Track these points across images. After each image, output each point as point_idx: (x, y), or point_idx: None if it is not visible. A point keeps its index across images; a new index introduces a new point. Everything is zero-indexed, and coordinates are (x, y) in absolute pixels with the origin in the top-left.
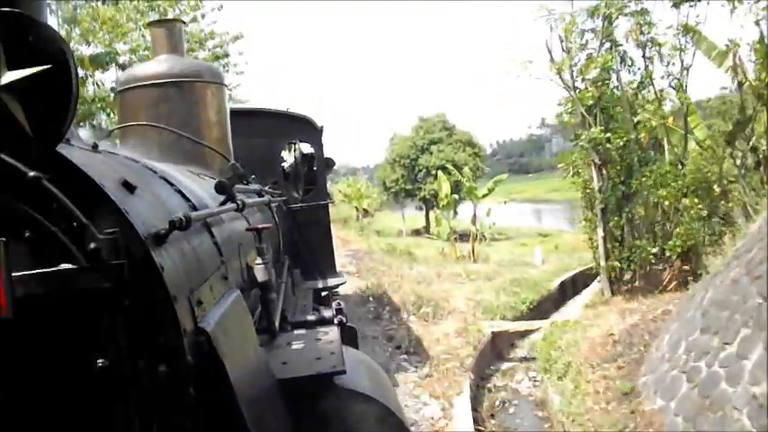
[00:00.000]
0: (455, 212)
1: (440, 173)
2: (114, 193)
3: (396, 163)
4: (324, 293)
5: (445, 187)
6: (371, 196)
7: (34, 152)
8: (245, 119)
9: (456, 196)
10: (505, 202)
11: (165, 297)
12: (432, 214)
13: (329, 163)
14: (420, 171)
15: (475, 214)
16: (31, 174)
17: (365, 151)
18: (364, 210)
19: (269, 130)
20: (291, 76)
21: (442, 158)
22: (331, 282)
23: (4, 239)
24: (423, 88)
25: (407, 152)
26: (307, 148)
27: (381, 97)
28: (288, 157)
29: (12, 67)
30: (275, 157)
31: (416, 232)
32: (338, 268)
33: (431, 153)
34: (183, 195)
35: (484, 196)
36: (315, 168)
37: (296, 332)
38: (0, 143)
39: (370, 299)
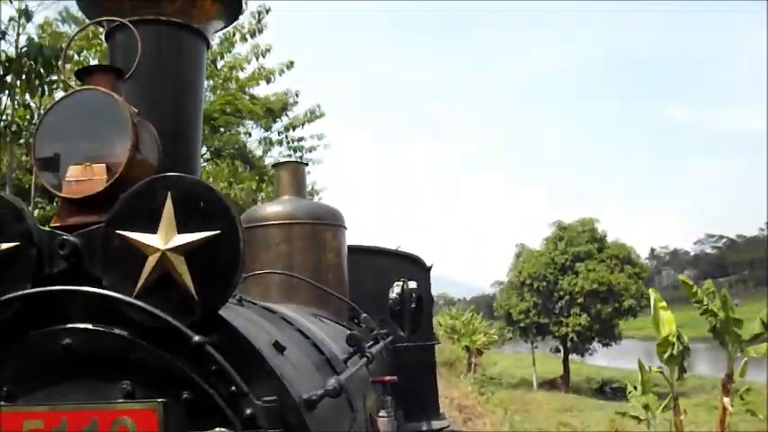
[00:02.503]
0: (682, 368)
1: (654, 296)
2: (270, 358)
3: (525, 287)
4: None
5: (668, 320)
6: (488, 332)
7: (198, 315)
8: (357, 255)
9: (686, 338)
10: None
11: None
12: (571, 358)
13: (432, 301)
14: (561, 298)
15: (731, 371)
16: (196, 338)
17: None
18: (477, 350)
19: (379, 267)
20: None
21: (593, 280)
22: (435, 425)
23: (164, 400)
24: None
25: (542, 272)
26: (413, 285)
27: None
28: (395, 296)
29: (180, 228)
30: (383, 295)
31: (551, 384)
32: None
33: (576, 273)
34: (317, 348)
35: (755, 337)
36: (422, 307)
37: None
38: (165, 304)
39: None
